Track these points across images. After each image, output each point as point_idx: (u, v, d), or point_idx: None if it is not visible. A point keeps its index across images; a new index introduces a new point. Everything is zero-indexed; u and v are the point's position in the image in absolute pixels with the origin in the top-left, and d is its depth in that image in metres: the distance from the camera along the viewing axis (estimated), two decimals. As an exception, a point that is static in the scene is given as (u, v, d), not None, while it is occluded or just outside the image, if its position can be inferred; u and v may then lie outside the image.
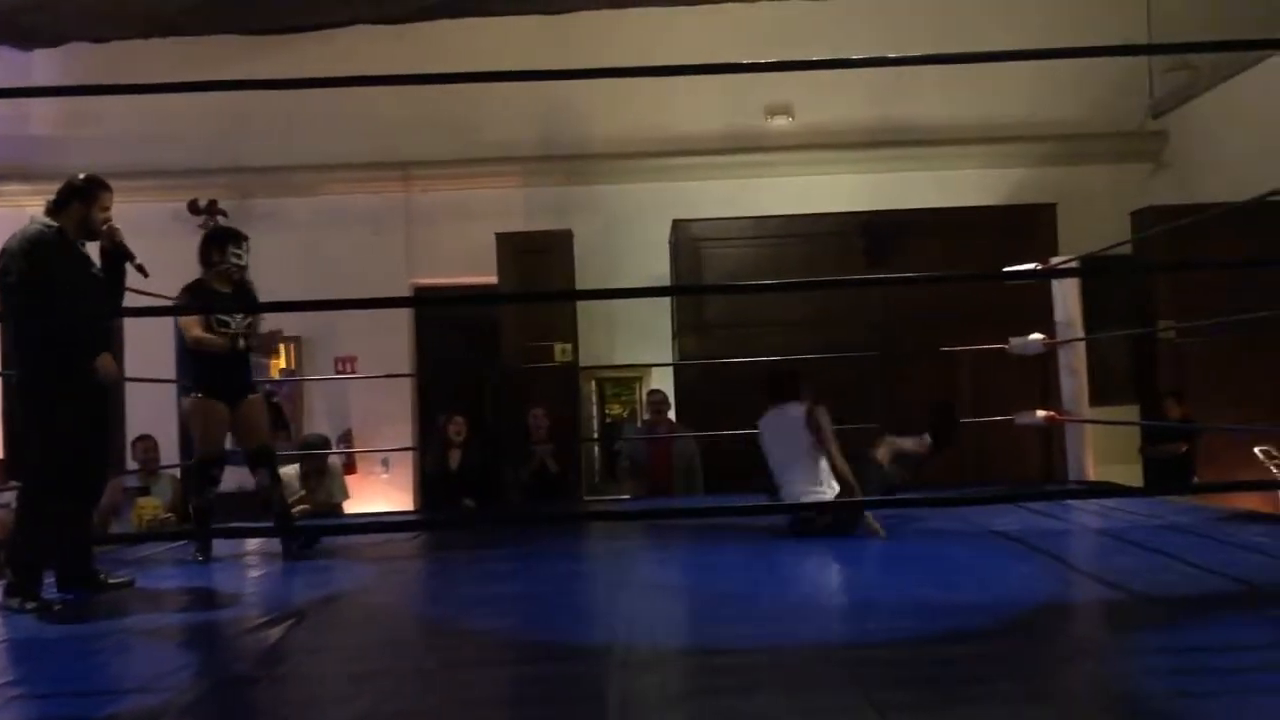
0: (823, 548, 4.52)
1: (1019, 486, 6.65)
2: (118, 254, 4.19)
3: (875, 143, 8.97)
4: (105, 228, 4.11)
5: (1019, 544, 4.38)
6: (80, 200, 4.04)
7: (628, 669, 2.69)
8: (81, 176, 4.09)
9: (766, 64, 3.10)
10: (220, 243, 4.97)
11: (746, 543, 4.70)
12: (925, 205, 8.16)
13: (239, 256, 4.92)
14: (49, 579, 4.01)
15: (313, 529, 5.74)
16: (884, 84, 8.72)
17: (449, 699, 2.56)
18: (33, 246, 3.87)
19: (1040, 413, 6.33)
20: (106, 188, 4.10)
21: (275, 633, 3.47)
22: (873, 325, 7.61)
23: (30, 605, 3.78)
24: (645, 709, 2.37)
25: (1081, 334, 6.34)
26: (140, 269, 4.23)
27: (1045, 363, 6.79)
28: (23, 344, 3.95)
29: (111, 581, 4.19)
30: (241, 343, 4.96)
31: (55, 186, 9.19)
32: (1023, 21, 8.67)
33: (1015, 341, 6.31)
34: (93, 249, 4.17)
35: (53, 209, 4.03)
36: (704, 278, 7.95)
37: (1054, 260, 6.50)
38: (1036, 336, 6.25)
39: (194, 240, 5.17)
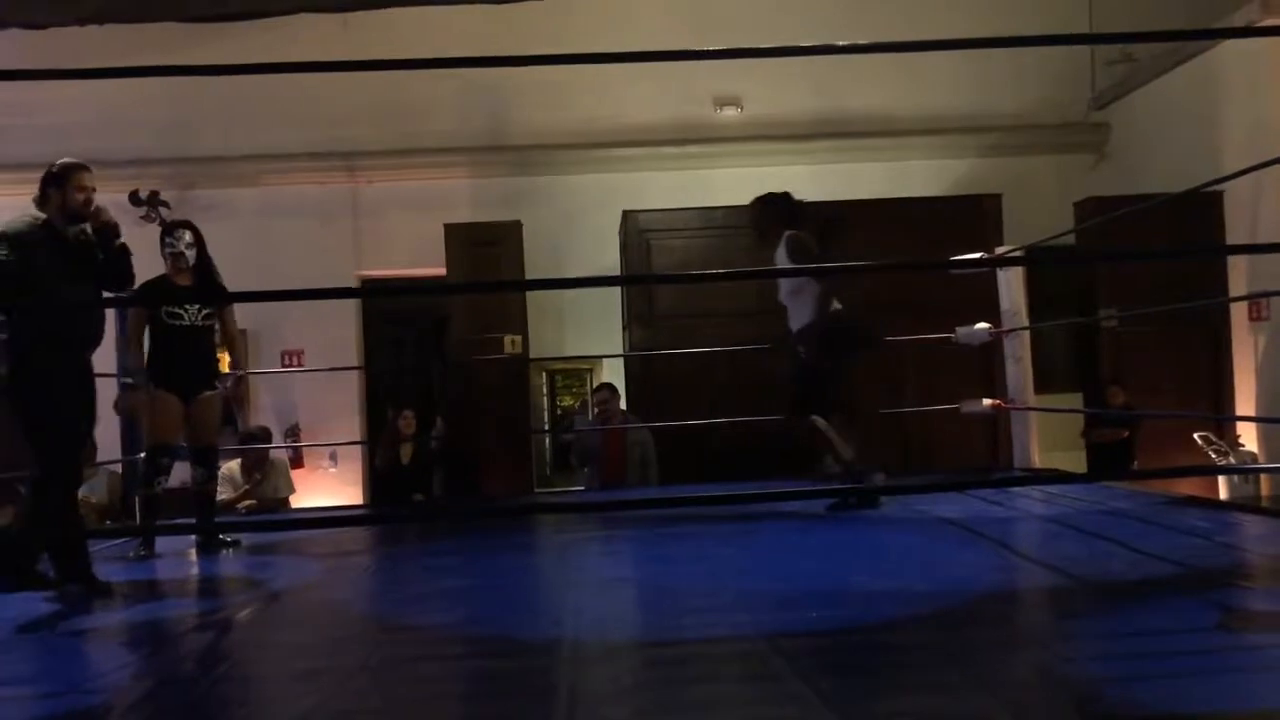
0: (769, 537, 4.55)
1: (964, 474, 6.72)
2: (105, 235, 4.12)
3: (823, 134, 9.03)
4: (91, 208, 4.03)
5: (964, 530, 4.42)
6: (55, 187, 4.00)
7: (577, 662, 2.68)
8: (54, 164, 4.04)
9: (713, 51, 3.09)
10: (163, 235, 4.94)
11: (694, 534, 4.70)
12: (872, 196, 8.22)
13: (172, 245, 4.88)
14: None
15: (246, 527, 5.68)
16: (832, 76, 8.78)
17: (395, 696, 2.54)
18: (12, 237, 3.85)
19: (986, 401, 6.40)
20: (81, 168, 4.03)
21: (218, 630, 3.43)
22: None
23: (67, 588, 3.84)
24: (594, 702, 2.36)
25: (1027, 323, 6.42)
26: (122, 249, 4.15)
27: (990, 351, 6.87)
28: (10, 336, 3.94)
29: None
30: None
31: (-11, 176, 8.97)
32: (966, 14, 8.76)
33: (961, 331, 6.37)
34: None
35: (38, 201, 4.02)
36: (653, 268, 7.95)
37: (999, 250, 6.56)
38: (983, 326, 6.32)
39: (135, 232, 5.07)
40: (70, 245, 4.02)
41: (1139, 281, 7.22)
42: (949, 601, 3.14)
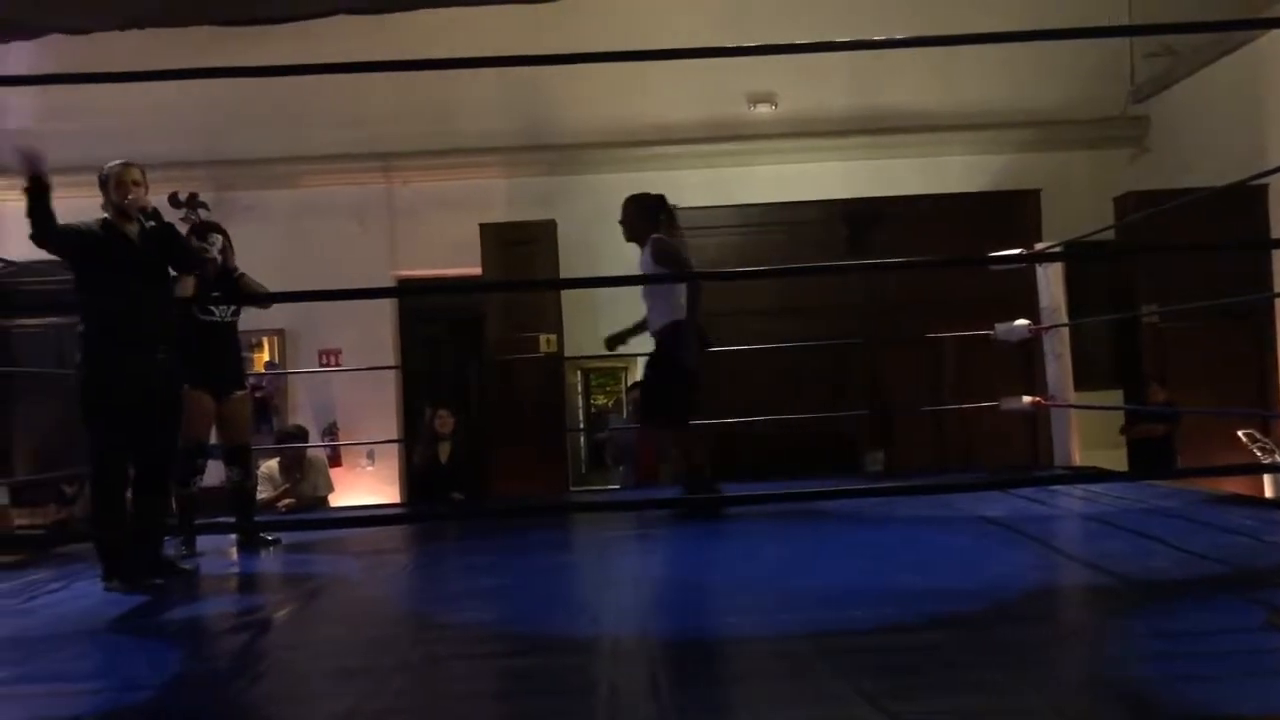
0: (809, 536, 4.52)
1: (1004, 472, 6.66)
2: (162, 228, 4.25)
3: (858, 130, 8.96)
4: (138, 202, 4.13)
5: (1006, 529, 4.38)
6: (102, 188, 4.16)
7: (617, 660, 2.68)
8: (104, 167, 4.19)
9: (746, 48, 3.07)
10: (195, 237, 4.99)
11: (732, 533, 4.69)
12: (908, 192, 8.16)
13: (205, 250, 4.89)
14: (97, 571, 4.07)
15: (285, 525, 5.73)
16: (867, 71, 8.70)
17: (436, 694, 2.55)
18: (73, 238, 4.00)
19: (1025, 398, 6.34)
20: (126, 165, 4.17)
21: (259, 628, 3.46)
22: (855, 313, 7.61)
23: (120, 585, 3.93)
24: (635, 700, 2.35)
25: (1066, 319, 6.35)
26: (171, 233, 4.29)
27: (1029, 349, 6.80)
28: (80, 333, 4.07)
29: (180, 568, 4.33)
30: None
31: (33, 181, 9.08)
32: (1005, 6, 8.66)
33: (1000, 328, 6.31)
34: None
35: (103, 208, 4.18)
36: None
37: (1038, 246, 6.50)
38: (1022, 322, 6.26)
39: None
40: (133, 245, 4.12)
41: (1180, 277, 7.12)
42: (992, 600, 3.11)
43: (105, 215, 4.16)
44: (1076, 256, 7.25)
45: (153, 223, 4.17)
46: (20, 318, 9.27)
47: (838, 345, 7.07)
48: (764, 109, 9.16)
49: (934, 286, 7.16)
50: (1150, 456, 7.44)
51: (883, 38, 3.11)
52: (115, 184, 4.12)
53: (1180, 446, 7.46)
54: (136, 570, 4.00)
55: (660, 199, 5.41)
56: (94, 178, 4.26)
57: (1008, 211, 7.76)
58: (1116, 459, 7.60)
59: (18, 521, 8.54)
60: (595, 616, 3.21)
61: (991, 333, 6.39)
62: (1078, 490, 5.42)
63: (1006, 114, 9.01)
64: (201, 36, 8.61)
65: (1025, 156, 8.93)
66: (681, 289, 5.09)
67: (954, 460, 7.32)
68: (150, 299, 4.22)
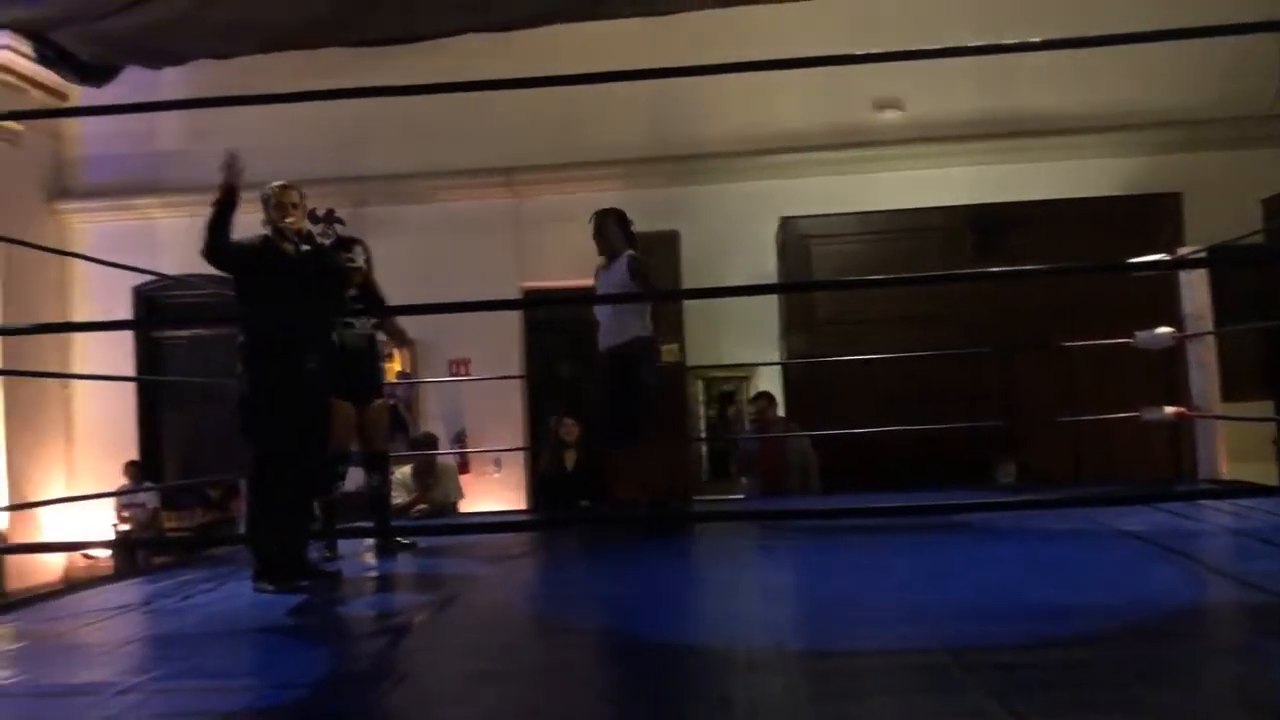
0: (937, 547, 4.44)
1: (1146, 485, 6.42)
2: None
3: (987, 134, 8.77)
4: (293, 222, 4.37)
5: (1150, 545, 4.22)
6: (264, 206, 4.38)
7: (751, 672, 2.67)
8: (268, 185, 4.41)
9: (871, 55, 3.03)
10: (339, 249, 5.12)
11: (861, 544, 4.63)
12: (1040, 197, 7.95)
13: (350, 260, 5.04)
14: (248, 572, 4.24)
15: (420, 529, 5.85)
16: (996, 74, 8.52)
17: (570, 700, 2.58)
18: (238, 252, 4.20)
19: (1168, 409, 6.10)
20: (284, 186, 4.40)
21: (398, 631, 3.55)
22: (985, 321, 7.44)
23: (271, 587, 4.07)
24: (773, 713, 2.34)
25: (1211, 327, 6.10)
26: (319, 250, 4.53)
27: (1172, 357, 6.54)
28: (239, 344, 4.25)
29: (325, 571, 4.47)
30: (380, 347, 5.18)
31: (181, 199, 9.59)
32: (1143, 3, 8.37)
33: (1141, 336, 6.09)
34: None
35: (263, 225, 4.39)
36: (813, 274, 7.90)
37: (1181, 251, 6.26)
38: (1165, 330, 6.03)
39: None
40: (290, 260, 4.33)
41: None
42: (1137, 617, 3.01)
43: (265, 232, 4.36)
44: (1222, 262, 6.94)
45: (307, 246, 4.36)
46: (169, 329, 9.73)
47: (968, 354, 6.92)
48: (891, 114, 9.04)
49: (1069, 293, 6.94)
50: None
51: (1015, 41, 3.04)
52: (275, 205, 4.36)
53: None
54: (286, 573, 4.15)
55: (624, 214, 5.54)
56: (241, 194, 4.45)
57: (1147, 215, 7.50)
58: (1267, 473, 7.26)
59: (167, 524, 8.97)
60: (726, 626, 3.21)
61: (1132, 340, 6.17)
62: (1226, 505, 5.19)
63: (1145, 114, 8.70)
64: (335, 57, 8.92)
65: (1165, 158, 8.61)
66: (649, 307, 5.24)
67: (1090, 472, 7.09)
68: (305, 312, 4.39)
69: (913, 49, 3.10)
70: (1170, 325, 6.08)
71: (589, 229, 5.47)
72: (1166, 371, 6.82)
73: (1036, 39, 3.14)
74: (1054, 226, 7.44)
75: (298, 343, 4.25)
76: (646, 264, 5.38)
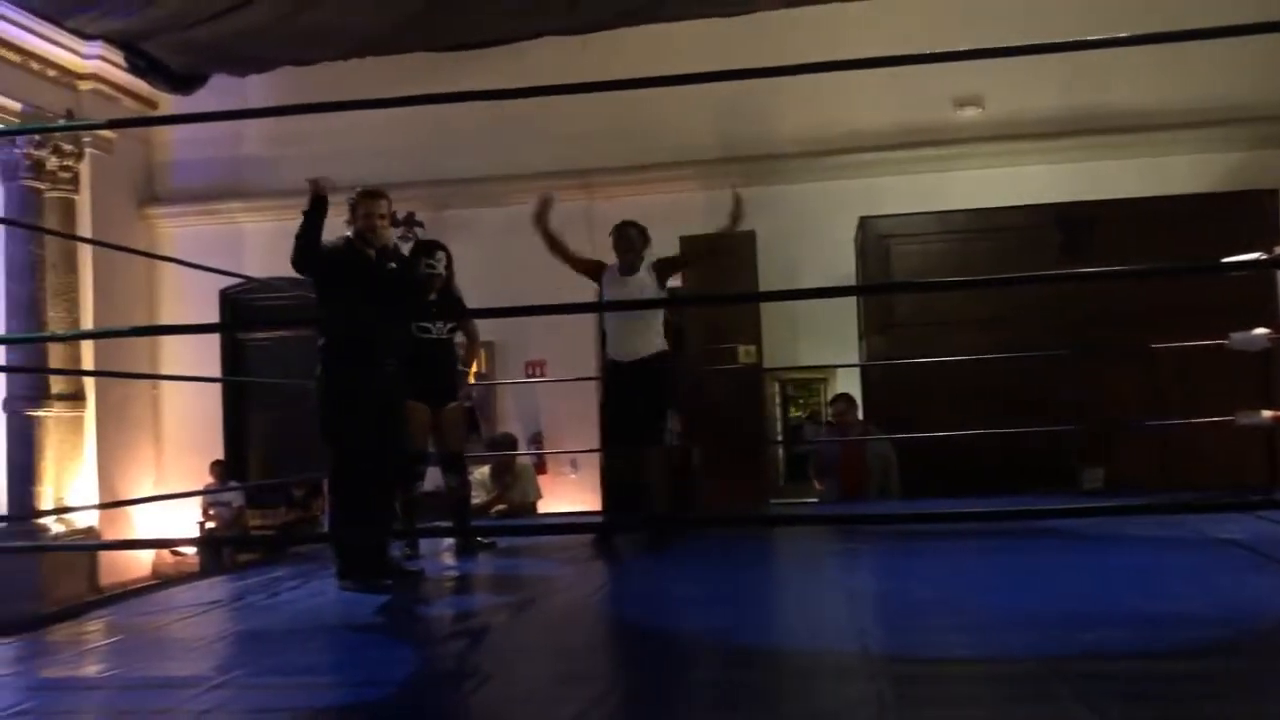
0: (1023, 553, 4.34)
1: (1242, 491, 6.20)
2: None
3: (1072, 131, 8.56)
4: (375, 232, 4.43)
5: (1249, 553, 4.09)
6: (351, 210, 4.46)
7: (840, 677, 2.64)
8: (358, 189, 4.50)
9: (948, 53, 2.97)
10: (415, 254, 5.18)
11: (946, 550, 4.55)
12: (1127, 195, 7.74)
13: (431, 266, 5.08)
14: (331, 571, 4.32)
15: (500, 530, 5.89)
16: (1084, 68, 8.29)
17: (661, 703, 2.56)
18: (325, 261, 4.26)
19: (1265, 413, 5.89)
20: (370, 195, 4.46)
21: (480, 631, 3.57)
22: (1070, 323, 7.27)
23: (354, 585, 4.13)
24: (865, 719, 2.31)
25: (1311, 328, 5.88)
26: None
27: (1269, 360, 6.33)
28: (320, 346, 4.32)
29: (407, 569, 4.51)
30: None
31: (266, 204, 9.79)
32: (1230, 5, 8.11)
33: (1236, 337, 5.88)
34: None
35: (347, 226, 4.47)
36: (892, 275, 7.78)
37: (1278, 250, 6.04)
38: (1261, 331, 5.82)
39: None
40: (371, 266, 4.39)
41: None
42: (1239, 628, 2.92)
43: (348, 235, 4.42)
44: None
45: (392, 264, 4.44)
46: (254, 331, 9.94)
47: (1053, 357, 6.76)
48: (971, 112, 8.88)
49: (1159, 294, 6.74)
50: None
51: (1095, 37, 2.94)
52: (362, 213, 4.41)
53: None
54: (369, 571, 4.20)
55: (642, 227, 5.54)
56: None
57: (1240, 213, 7.24)
58: (1370, 480, 6.99)
59: (252, 523, 9.16)
60: (810, 631, 3.18)
61: (1226, 342, 5.97)
62: (1328, 513, 4.99)
63: (1238, 108, 8.41)
64: (416, 62, 9.05)
65: (1260, 153, 8.32)
66: (663, 319, 5.37)
67: (1180, 479, 6.87)
68: (384, 317, 4.45)
69: (991, 47, 3.03)
70: (1267, 326, 5.88)
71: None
72: (1261, 374, 6.61)
73: (1123, 34, 3.05)
74: (1142, 225, 7.24)
75: (376, 346, 4.30)
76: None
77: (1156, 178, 8.12)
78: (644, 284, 5.29)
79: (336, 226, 4.46)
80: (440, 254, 5.16)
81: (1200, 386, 6.85)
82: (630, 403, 5.24)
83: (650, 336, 5.29)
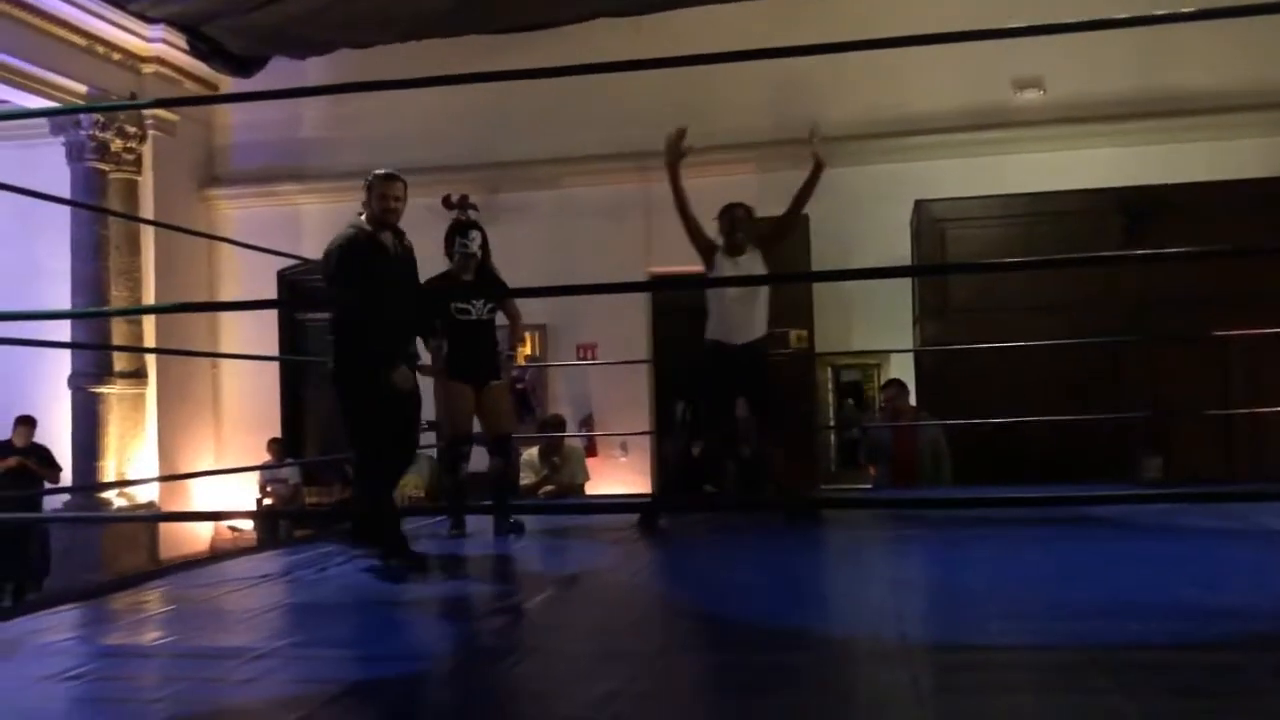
0: (1075, 543, 4.27)
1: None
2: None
3: (1137, 113, 8.36)
4: (393, 216, 4.31)
5: (1308, 546, 3.99)
6: (368, 192, 4.31)
7: (876, 663, 2.62)
8: (373, 172, 4.38)
9: (1011, 29, 2.91)
10: (451, 235, 5.17)
11: (996, 537, 4.49)
12: (1194, 179, 7.55)
13: (465, 246, 5.07)
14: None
15: (545, 509, 5.91)
16: (1147, 48, 8.11)
17: (697, 682, 2.57)
18: (341, 245, 4.21)
19: (1330, 403, 5.74)
20: (389, 179, 4.31)
21: (524, 608, 3.60)
22: (1130, 310, 7.12)
23: (391, 562, 4.12)
24: (897, 704, 2.29)
25: (1382, 316, 5.71)
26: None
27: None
28: (336, 335, 4.27)
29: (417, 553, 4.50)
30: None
31: (323, 185, 9.88)
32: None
33: (1303, 325, 5.74)
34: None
35: (363, 208, 4.35)
36: (948, 259, 7.69)
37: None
38: (1327, 320, 5.67)
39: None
40: (388, 251, 4.31)
41: None
42: (1289, 621, 2.84)
43: (362, 217, 4.31)
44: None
45: (408, 244, 4.42)
46: (310, 311, 10.07)
47: (1112, 343, 6.63)
48: (1031, 94, 8.71)
49: (1222, 280, 6.58)
50: None
51: (1168, 12, 2.87)
52: (378, 195, 4.29)
53: None
54: (398, 549, 4.23)
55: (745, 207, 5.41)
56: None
57: (1310, 198, 7.04)
58: None
59: (309, 499, 9.31)
60: (852, 617, 3.16)
61: (1293, 331, 5.81)
62: (1395, 505, 4.85)
63: (1310, 90, 8.16)
64: (471, 46, 9.09)
65: (1332, 136, 8.08)
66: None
67: (1243, 469, 6.72)
68: (398, 303, 4.43)
69: (1053, 23, 2.95)
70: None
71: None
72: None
73: (1189, 9, 2.97)
74: (1208, 210, 7.05)
75: (391, 333, 4.26)
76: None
77: (1225, 161, 7.91)
78: (754, 264, 5.22)
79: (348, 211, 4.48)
80: (475, 234, 5.13)
81: (1265, 376, 6.70)
82: (737, 385, 5.21)
83: (762, 318, 5.23)
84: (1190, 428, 7.09)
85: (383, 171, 4.34)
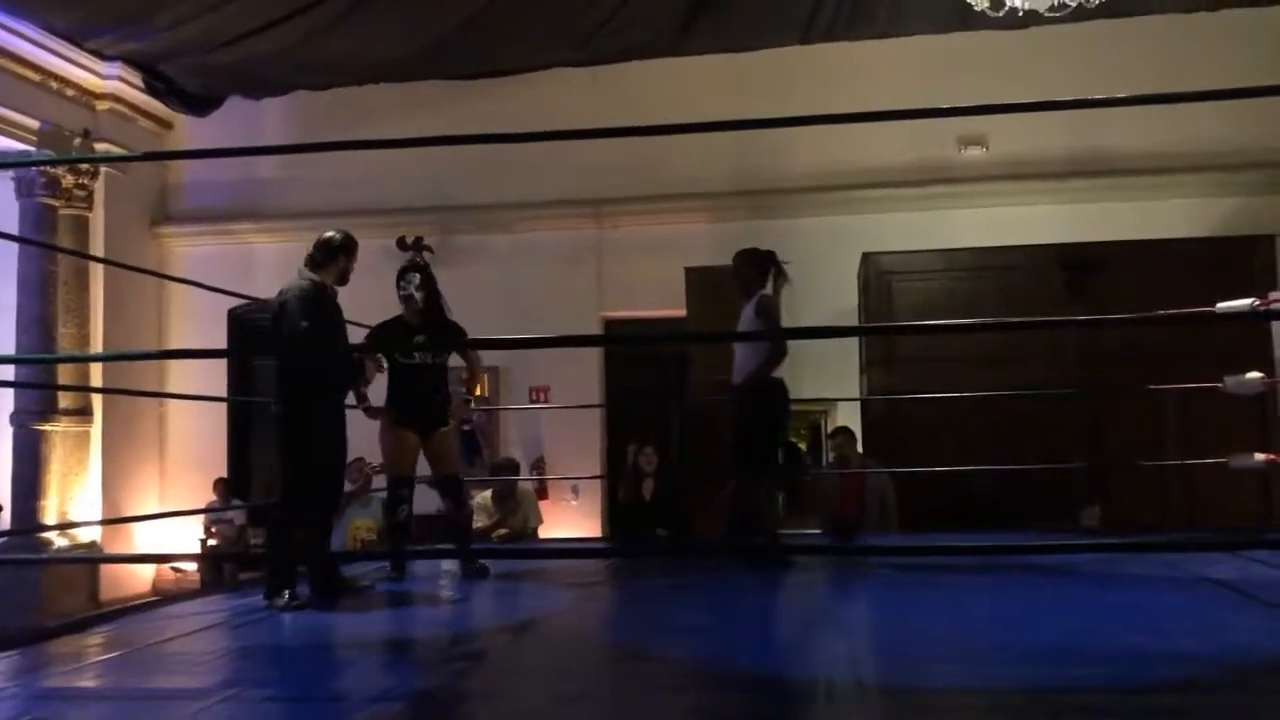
0: (1021, 590, 4.39)
1: (1235, 532, 6.25)
2: None
3: (1075, 172, 8.66)
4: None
5: (1237, 593, 4.13)
6: (345, 254, 4.57)
7: (832, 705, 2.69)
8: (339, 235, 4.58)
9: (954, 108, 3.06)
10: (397, 278, 5.21)
11: (939, 583, 4.60)
12: (1128, 237, 7.82)
13: (403, 288, 5.11)
14: (302, 585, 4.43)
15: (495, 554, 5.92)
16: (1085, 111, 8.39)
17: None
18: (313, 299, 4.40)
19: (1259, 455, 5.95)
20: (354, 248, 4.63)
21: (479, 653, 3.62)
22: (1071, 362, 7.34)
23: (283, 601, 4.23)
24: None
25: (1305, 373, 5.95)
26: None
27: (1262, 403, 6.39)
28: (297, 382, 4.41)
29: (360, 584, 4.70)
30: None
31: (277, 225, 9.83)
32: (1235, 42, 8.22)
33: (1231, 380, 5.95)
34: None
35: (316, 264, 4.52)
36: (894, 311, 7.85)
37: (1272, 295, 6.12)
38: (1255, 375, 5.89)
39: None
40: (338, 308, 4.57)
41: None
42: (1225, 666, 2.97)
43: (314, 277, 4.47)
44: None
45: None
46: (258, 357, 9.99)
47: (1053, 395, 6.82)
48: (975, 151, 8.98)
49: (1157, 335, 6.82)
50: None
51: (1099, 95, 3.02)
52: (353, 257, 4.60)
53: None
54: (332, 588, 4.42)
55: (770, 255, 5.48)
56: (333, 222, 4.69)
57: (1238, 258, 7.33)
58: (1363, 524, 7.02)
59: (254, 541, 9.19)
60: (805, 659, 3.23)
61: (1220, 385, 6.03)
62: (1320, 555, 5.03)
63: (1238, 155, 8.50)
64: (429, 88, 9.19)
65: (1257, 200, 8.42)
66: (767, 346, 5.20)
67: (1176, 518, 6.92)
68: (338, 353, 4.66)
69: (993, 104, 3.08)
70: (1261, 370, 5.94)
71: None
72: (1256, 418, 6.66)
73: (1123, 87, 3.14)
74: (1144, 266, 7.31)
75: (330, 381, 4.50)
76: (772, 303, 5.37)
77: (1158, 220, 8.20)
78: (747, 315, 5.31)
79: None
80: (414, 275, 5.15)
81: (1198, 428, 6.92)
82: (735, 426, 5.31)
83: (750, 362, 5.26)
84: (1127, 477, 7.29)
85: (354, 237, 4.62)
